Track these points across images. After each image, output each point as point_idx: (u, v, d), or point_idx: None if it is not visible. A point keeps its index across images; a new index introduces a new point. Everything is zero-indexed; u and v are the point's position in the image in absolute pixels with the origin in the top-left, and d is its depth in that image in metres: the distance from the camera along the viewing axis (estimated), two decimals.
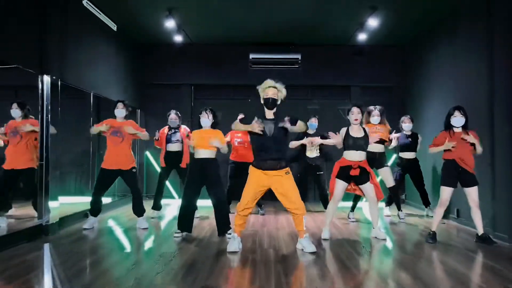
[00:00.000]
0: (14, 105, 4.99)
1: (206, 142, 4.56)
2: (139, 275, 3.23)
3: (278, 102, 4.02)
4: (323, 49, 8.09)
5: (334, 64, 8.12)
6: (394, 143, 5.75)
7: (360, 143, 4.51)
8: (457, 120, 4.45)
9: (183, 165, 5.81)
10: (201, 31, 7.43)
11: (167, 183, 6.42)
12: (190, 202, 4.60)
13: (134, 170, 5.16)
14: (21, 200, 5.29)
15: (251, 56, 7.88)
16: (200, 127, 4.77)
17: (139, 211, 5.19)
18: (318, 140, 5.86)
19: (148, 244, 4.55)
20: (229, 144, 5.79)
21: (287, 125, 3.87)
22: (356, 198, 5.89)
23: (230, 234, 4.42)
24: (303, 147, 6.28)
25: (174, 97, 8.17)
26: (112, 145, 5.06)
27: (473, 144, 4.41)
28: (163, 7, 6.19)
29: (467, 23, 5.66)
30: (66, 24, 5.36)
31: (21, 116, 5.00)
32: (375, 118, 5.63)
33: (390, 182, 5.75)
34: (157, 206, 5.99)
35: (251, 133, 3.98)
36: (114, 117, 5.12)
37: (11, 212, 5.13)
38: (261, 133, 3.85)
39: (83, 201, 5.64)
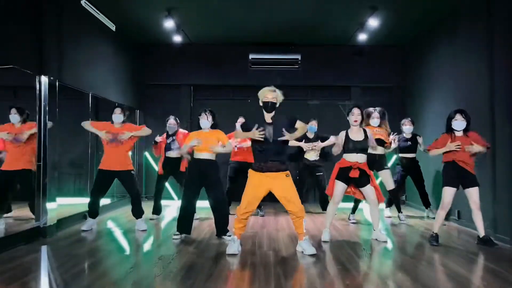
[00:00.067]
0: (13, 110, 4.88)
1: (206, 144, 4.52)
2: (137, 278, 3.20)
3: (277, 105, 4.00)
4: (323, 49, 8.06)
5: (334, 64, 8.09)
6: (394, 146, 5.65)
7: (360, 147, 4.46)
8: (458, 123, 4.40)
9: (182, 168, 5.79)
10: (201, 31, 7.40)
11: (167, 184, 6.41)
12: (189, 203, 4.58)
13: (132, 172, 5.13)
14: (18, 202, 5.24)
15: (251, 56, 7.84)
16: (199, 128, 4.75)
17: (138, 213, 5.16)
18: (319, 145, 5.82)
19: (147, 246, 4.52)
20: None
21: (287, 137, 3.84)
22: (357, 200, 5.82)
23: (230, 236, 4.40)
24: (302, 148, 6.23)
25: (174, 97, 8.16)
26: (109, 147, 5.02)
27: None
28: (162, 7, 6.17)
29: (467, 23, 5.64)
30: (64, 24, 5.33)
31: (20, 121, 4.90)
32: (375, 121, 5.47)
33: (390, 185, 5.69)
34: (157, 211, 5.97)
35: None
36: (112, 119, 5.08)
37: (9, 214, 5.09)
38: (262, 139, 3.84)
39: (81, 203, 5.60)
